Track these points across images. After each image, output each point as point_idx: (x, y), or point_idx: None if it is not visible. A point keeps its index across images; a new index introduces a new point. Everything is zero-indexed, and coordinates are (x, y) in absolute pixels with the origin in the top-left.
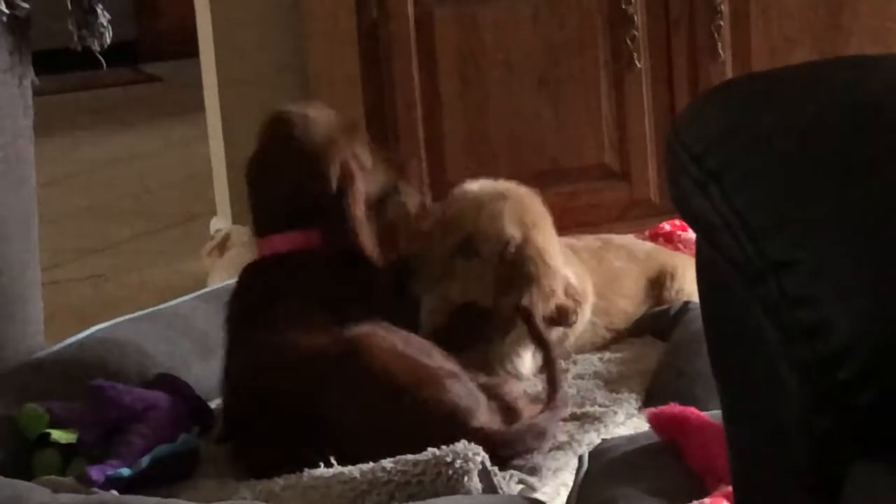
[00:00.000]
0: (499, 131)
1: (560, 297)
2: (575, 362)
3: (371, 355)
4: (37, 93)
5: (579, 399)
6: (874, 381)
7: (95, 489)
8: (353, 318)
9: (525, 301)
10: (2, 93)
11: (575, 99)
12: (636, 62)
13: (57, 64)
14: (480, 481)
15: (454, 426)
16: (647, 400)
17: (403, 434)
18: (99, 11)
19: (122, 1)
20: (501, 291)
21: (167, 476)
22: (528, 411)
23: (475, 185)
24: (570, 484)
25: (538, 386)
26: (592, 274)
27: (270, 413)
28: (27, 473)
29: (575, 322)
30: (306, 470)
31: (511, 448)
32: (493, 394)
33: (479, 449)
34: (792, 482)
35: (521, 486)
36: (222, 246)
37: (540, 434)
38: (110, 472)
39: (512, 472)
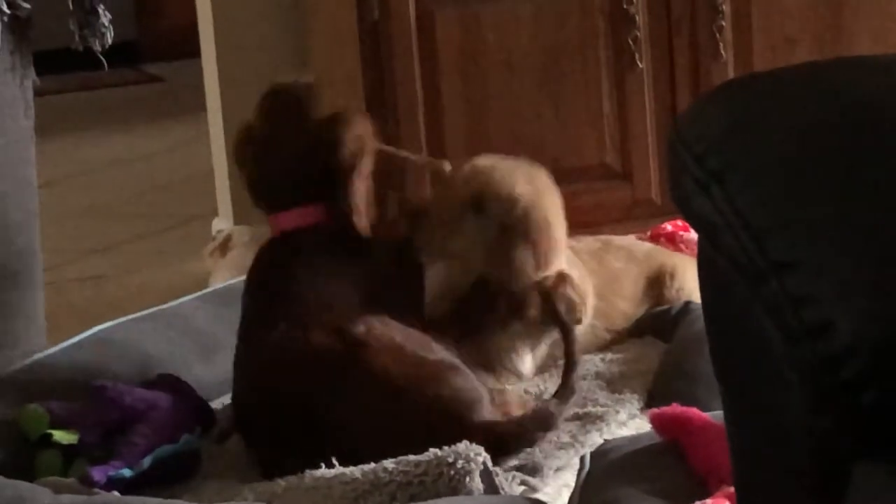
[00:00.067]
0: (500, 131)
1: (568, 290)
2: None
3: (371, 355)
4: (38, 93)
5: (581, 399)
6: (875, 382)
7: (97, 490)
8: (360, 298)
9: (517, 262)
10: (3, 93)
11: (576, 99)
12: (638, 62)
13: (58, 64)
14: (482, 482)
15: (458, 422)
16: (649, 400)
17: (406, 433)
18: (100, 11)
19: (123, 1)
20: (501, 252)
21: (169, 477)
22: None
23: (489, 158)
24: (572, 484)
25: (539, 386)
26: (592, 276)
27: (272, 413)
28: (29, 474)
29: (581, 319)
30: (308, 471)
31: (518, 437)
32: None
33: (481, 449)
34: (793, 482)
35: (522, 487)
36: (224, 246)
37: (547, 419)
38: (112, 472)
39: (514, 472)
